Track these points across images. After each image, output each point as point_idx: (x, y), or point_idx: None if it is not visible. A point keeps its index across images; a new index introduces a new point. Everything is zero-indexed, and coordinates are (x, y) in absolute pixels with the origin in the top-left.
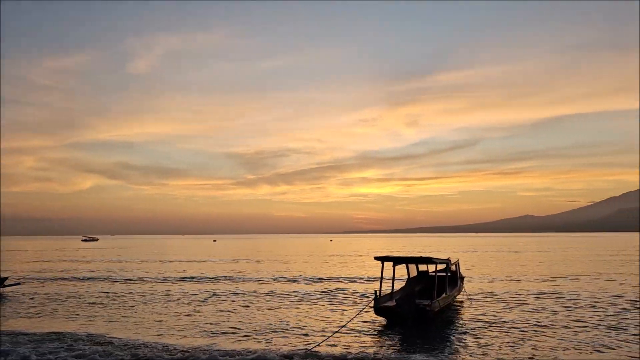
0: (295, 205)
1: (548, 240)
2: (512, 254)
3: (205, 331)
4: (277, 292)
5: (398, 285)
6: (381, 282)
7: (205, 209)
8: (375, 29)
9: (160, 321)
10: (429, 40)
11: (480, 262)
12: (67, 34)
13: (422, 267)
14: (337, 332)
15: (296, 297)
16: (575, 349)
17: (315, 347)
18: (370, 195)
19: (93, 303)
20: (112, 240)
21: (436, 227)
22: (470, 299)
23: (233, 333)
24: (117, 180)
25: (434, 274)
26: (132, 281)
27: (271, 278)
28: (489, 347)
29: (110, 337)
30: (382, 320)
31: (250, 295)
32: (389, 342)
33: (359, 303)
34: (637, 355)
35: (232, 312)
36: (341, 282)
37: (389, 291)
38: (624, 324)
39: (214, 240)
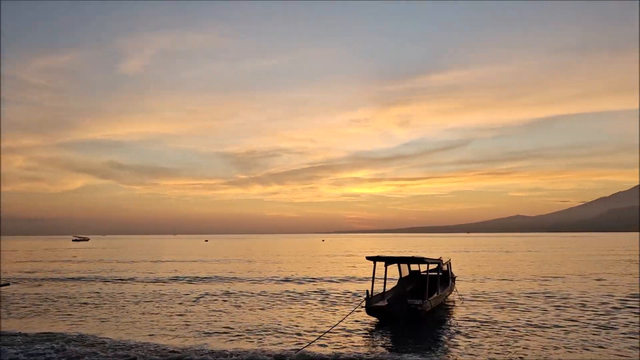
0: (287, 205)
1: (539, 240)
2: (503, 254)
3: (197, 331)
4: (269, 292)
5: (390, 285)
6: (373, 282)
7: (197, 208)
8: (368, 30)
9: (152, 321)
10: (421, 41)
11: (471, 262)
12: (58, 33)
13: (414, 267)
14: (328, 331)
15: (288, 297)
16: (566, 348)
17: (307, 346)
18: (362, 195)
19: (84, 303)
20: (103, 240)
21: (428, 227)
22: (461, 298)
23: (225, 333)
24: (108, 180)
25: (425, 273)
26: (124, 281)
27: (263, 278)
28: (480, 347)
29: (102, 338)
30: (374, 320)
31: (242, 295)
32: (381, 342)
33: (350, 303)
34: (627, 354)
35: (224, 312)
36: (333, 282)
37: (381, 291)
38: (613, 323)
39: (206, 240)
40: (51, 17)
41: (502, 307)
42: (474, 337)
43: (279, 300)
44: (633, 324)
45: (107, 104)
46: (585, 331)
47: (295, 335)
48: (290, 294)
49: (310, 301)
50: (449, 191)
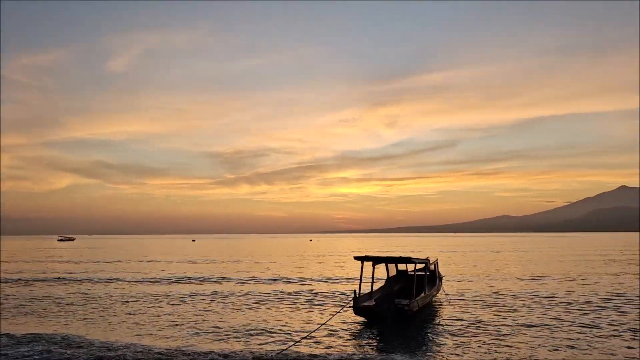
0: (275, 205)
1: (525, 240)
2: (490, 254)
3: (185, 332)
4: (257, 292)
5: (378, 285)
6: (361, 282)
7: (184, 208)
8: (356, 30)
9: (138, 322)
10: (409, 42)
11: (458, 262)
12: (44, 31)
13: (402, 267)
14: (315, 331)
15: (276, 297)
16: (552, 346)
17: (293, 346)
18: (350, 195)
19: (70, 304)
20: (90, 240)
21: (415, 227)
22: (448, 298)
23: (212, 333)
24: (95, 179)
25: (413, 273)
26: (110, 281)
27: (250, 278)
28: (467, 346)
29: (88, 339)
30: (361, 319)
31: (230, 295)
32: (368, 342)
33: (338, 303)
34: (612, 352)
35: (212, 313)
36: (320, 282)
37: (368, 291)
38: (598, 322)
39: (193, 240)
40: (37, 15)
41: (489, 307)
42: (461, 337)
43: (266, 301)
44: (617, 323)
45: (94, 103)
46: (570, 330)
47: (282, 336)
48: (278, 294)
49: (298, 301)
50: (436, 191)
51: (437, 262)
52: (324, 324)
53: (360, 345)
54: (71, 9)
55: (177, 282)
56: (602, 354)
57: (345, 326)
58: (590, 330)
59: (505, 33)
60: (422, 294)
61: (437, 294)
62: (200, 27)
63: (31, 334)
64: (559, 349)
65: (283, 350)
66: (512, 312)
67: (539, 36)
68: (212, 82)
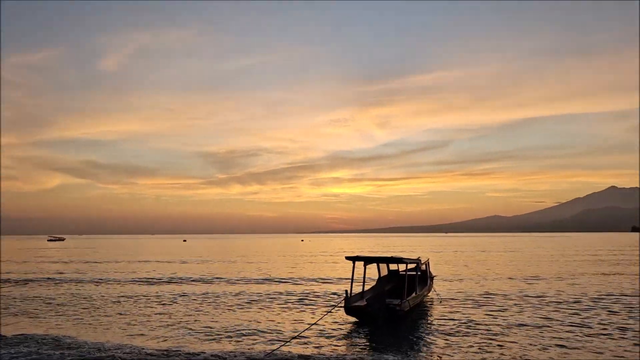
0: (267, 205)
1: (515, 240)
2: (480, 254)
3: (176, 332)
4: (248, 292)
5: (369, 285)
6: (352, 282)
7: (175, 208)
8: (348, 31)
9: (130, 323)
10: (400, 43)
11: (449, 262)
12: (34, 30)
13: (393, 267)
14: (306, 330)
15: (267, 298)
16: (542, 346)
17: (284, 346)
18: (341, 195)
19: (61, 304)
20: (80, 240)
21: (406, 227)
22: (440, 297)
23: (204, 333)
24: (85, 179)
25: (404, 273)
26: (101, 282)
27: (242, 278)
28: (458, 346)
29: (78, 340)
30: (352, 319)
31: (221, 295)
32: (359, 342)
33: (329, 303)
34: (602, 351)
35: (203, 313)
36: (312, 282)
37: (360, 291)
38: (587, 322)
39: (184, 240)
40: (27, 14)
41: (480, 306)
42: (452, 337)
43: (258, 301)
44: (607, 322)
45: (84, 102)
46: (560, 329)
47: (273, 335)
48: (269, 294)
49: (290, 301)
50: (427, 191)
51: (429, 262)
52: (315, 324)
53: (351, 345)
54: (62, 8)
55: (168, 282)
56: (591, 352)
57: (336, 326)
58: (580, 330)
59: (495, 35)
60: (414, 294)
61: (428, 294)
62: (192, 26)
63: (21, 335)
64: (549, 348)
65: (274, 350)
66: (503, 311)
67: (529, 38)
68: (204, 82)
